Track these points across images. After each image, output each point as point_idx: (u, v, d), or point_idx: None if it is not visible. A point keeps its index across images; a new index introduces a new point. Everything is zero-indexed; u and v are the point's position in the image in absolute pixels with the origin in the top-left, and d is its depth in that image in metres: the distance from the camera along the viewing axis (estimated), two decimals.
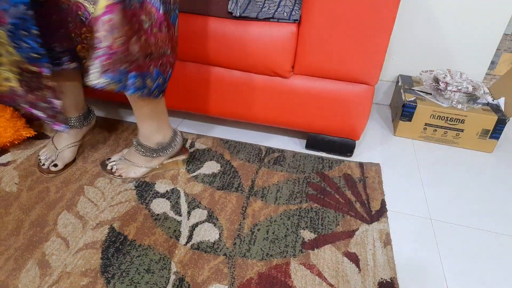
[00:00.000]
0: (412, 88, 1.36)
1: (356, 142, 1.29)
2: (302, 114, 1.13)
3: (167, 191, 1.00)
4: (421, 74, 1.44)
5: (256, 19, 1.00)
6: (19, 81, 0.80)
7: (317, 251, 0.87)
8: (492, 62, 1.44)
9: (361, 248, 0.88)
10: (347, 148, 1.18)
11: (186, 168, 1.08)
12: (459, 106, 1.26)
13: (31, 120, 1.22)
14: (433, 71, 1.43)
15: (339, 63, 1.02)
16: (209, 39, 1.04)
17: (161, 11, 0.76)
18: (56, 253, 0.81)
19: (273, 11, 1.01)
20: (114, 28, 0.70)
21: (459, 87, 1.26)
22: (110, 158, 1.05)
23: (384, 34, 0.97)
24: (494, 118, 1.23)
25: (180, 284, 0.77)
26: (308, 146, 1.21)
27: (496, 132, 1.25)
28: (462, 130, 1.27)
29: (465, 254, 0.90)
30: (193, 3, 1.04)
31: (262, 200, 0.99)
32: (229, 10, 1.03)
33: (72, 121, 1.04)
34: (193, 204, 0.97)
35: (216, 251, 0.85)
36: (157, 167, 1.04)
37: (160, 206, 0.95)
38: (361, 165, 1.16)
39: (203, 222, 0.92)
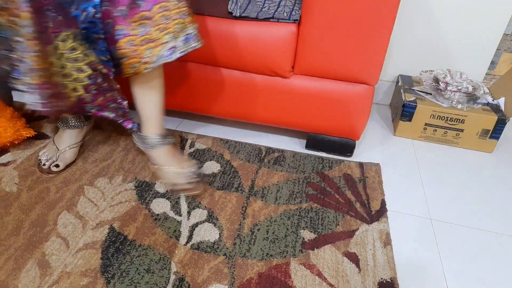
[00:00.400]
0: (412, 88, 1.36)
1: (356, 142, 1.29)
2: (302, 114, 1.13)
3: (167, 191, 1.00)
4: (421, 74, 1.44)
5: (256, 19, 1.00)
6: (85, 88, 0.84)
7: (317, 251, 0.87)
8: (492, 62, 1.44)
9: (361, 248, 0.88)
10: (347, 148, 1.18)
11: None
12: (459, 106, 1.26)
13: (31, 120, 1.22)
14: (433, 71, 1.43)
15: (339, 63, 1.02)
16: (209, 39, 1.04)
17: None
18: (56, 253, 0.81)
19: (273, 11, 1.01)
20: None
21: (459, 87, 1.26)
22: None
23: (384, 34, 0.97)
24: (494, 118, 1.23)
25: (180, 284, 0.77)
26: (308, 146, 1.21)
27: (496, 132, 1.25)
28: (462, 130, 1.27)
29: (465, 254, 0.90)
30: (193, 3, 1.04)
31: (262, 200, 0.99)
32: (229, 10, 1.03)
33: (73, 122, 1.03)
34: (193, 204, 0.97)
35: (216, 251, 0.85)
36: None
37: (160, 206, 0.95)
38: (361, 165, 1.16)
39: (203, 222, 0.92)
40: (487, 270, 0.87)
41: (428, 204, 1.05)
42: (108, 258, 0.81)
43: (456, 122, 1.26)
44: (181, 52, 0.84)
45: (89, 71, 0.82)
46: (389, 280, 0.81)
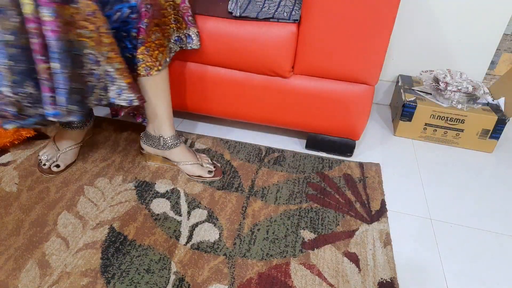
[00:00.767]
0: (412, 88, 1.36)
1: (356, 142, 1.29)
2: (302, 114, 1.13)
3: (167, 191, 1.00)
4: (421, 74, 1.44)
5: (256, 19, 1.00)
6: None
7: (317, 251, 0.87)
8: (492, 62, 1.44)
9: (361, 248, 0.88)
10: (347, 148, 1.18)
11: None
12: (459, 106, 1.26)
13: None
14: (433, 71, 1.43)
15: (339, 63, 1.02)
16: (209, 39, 1.04)
17: None
18: (56, 253, 0.81)
19: (273, 11, 1.01)
20: None
21: (459, 87, 1.26)
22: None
23: (384, 34, 0.97)
24: (494, 118, 1.23)
25: (180, 284, 0.77)
26: (308, 146, 1.21)
27: (496, 132, 1.25)
28: (462, 130, 1.27)
29: (465, 254, 0.90)
30: (193, 3, 1.04)
31: (262, 200, 0.99)
32: (229, 10, 1.03)
33: (75, 122, 1.04)
34: (193, 204, 0.97)
35: (216, 251, 0.85)
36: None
37: (160, 206, 0.95)
38: (361, 165, 1.16)
39: (203, 222, 0.92)
40: (487, 270, 0.87)
41: (428, 204, 1.05)
42: (108, 258, 0.81)
43: (456, 122, 1.26)
44: (174, 51, 0.98)
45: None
46: (389, 280, 0.81)
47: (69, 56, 0.76)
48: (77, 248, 0.83)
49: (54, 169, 1.02)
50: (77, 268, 0.78)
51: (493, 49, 1.39)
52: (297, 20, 0.99)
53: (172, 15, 0.92)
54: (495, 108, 1.27)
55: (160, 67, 0.91)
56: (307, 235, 0.91)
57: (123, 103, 0.86)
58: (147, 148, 1.05)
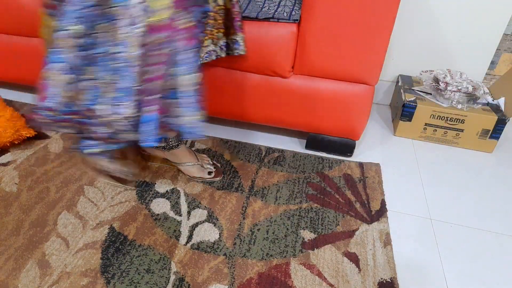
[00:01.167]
0: (412, 88, 1.36)
1: (356, 142, 1.29)
2: (302, 114, 1.13)
3: (167, 191, 1.00)
4: (421, 74, 1.44)
5: (256, 19, 1.00)
6: None
7: (317, 251, 0.87)
8: (492, 62, 1.44)
9: (361, 248, 0.88)
10: (347, 148, 1.18)
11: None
12: (459, 106, 1.26)
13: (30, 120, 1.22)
14: (433, 71, 1.43)
15: (339, 63, 1.02)
16: None
17: None
18: (56, 253, 0.81)
19: (273, 11, 1.01)
20: None
21: (459, 87, 1.26)
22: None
23: (384, 34, 0.97)
24: (494, 118, 1.23)
25: (180, 284, 0.77)
26: (308, 146, 1.21)
27: (496, 132, 1.25)
28: (462, 130, 1.27)
29: (465, 254, 0.90)
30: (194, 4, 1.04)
31: (262, 200, 0.99)
32: None
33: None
34: (193, 204, 0.97)
35: (216, 251, 0.85)
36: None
37: (160, 206, 0.95)
38: (361, 165, 1.16)
39: (203, 222, 0.92)
40: (487, 270, 0.87)
41: (428, 204, 1.05)
42: (108, 258, 0.81)
43: (456, 122, 1.26)
44: (216, 56, 0.96)
45: None
46: (389, 280, 0.81)
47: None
48: (77, 248, 0.83)
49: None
50: (77, 268, 0.78)
51: (493, 49, 1.39)
52: (297, 20, 0.99)
53: (222, 20, 0.89)
54: (495, 108, 1.27)
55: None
56: (307, 235, 0.91)
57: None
58: (147, 149, 1.05)
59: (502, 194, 1.11)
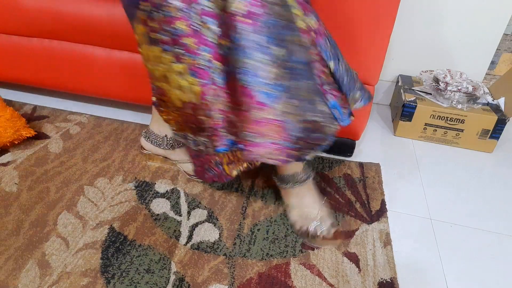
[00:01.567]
0: (412, 88, 1.36)
1: (356, 142, 1.29)
2: None
3: (167, 191, 1.00)
4: (421, 74, 1.44)
5: None
6: None
7: (317, 251, 0.86)
8: (492, 62, 1.44)
9: (361, 248, 0.88)
10: (347, 148, 1.18)
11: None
12: (459, 106, 1.26)
13: (31, 120, 1.22)
14: (433, 71, 1.43)
15: None
16: None
17: None
18: (56, 253, 0.81)
19: None
20: None
21: (459, 87, 1.26)
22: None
23: (384, 34, 0.97)
24: (494, 118, 1.23)
25: (180, 284, 0.77)
26: None
27: (496, 132, 1.25)
28: (462, 130, 1.27)
29: (465, 254, 0.90)
30: None
31: (262, 200, 0.99)
32: None
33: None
34: (193, 204, 0.97)
35: (216, 251, 0.85)
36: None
37: (160, 206, 0.95)
38: (361, 165, 1.16)
39: (203, 222, 0.92)
40: (487, 270, 0.87)
41: (428, 204, 1.05)
42: (108, 258, 0.81)
43: (456, 122, 1.26)
44: None
45: None
46: (389, 280, 0.81)
47: None
48: (77, 248, 0.83)
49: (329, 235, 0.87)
50: (77, 268, 0.78)
51: (493, 49, 1.39)
52: None
53: None
54: (495, 108, 1.27)
55: None
56: None
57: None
58: (148, 146, 1.04)
59: (502, 194, 1.11)
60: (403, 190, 1.09)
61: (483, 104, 1.29)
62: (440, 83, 1.29)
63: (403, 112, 1.29)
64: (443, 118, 1.27)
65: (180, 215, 0.93)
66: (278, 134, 0.69)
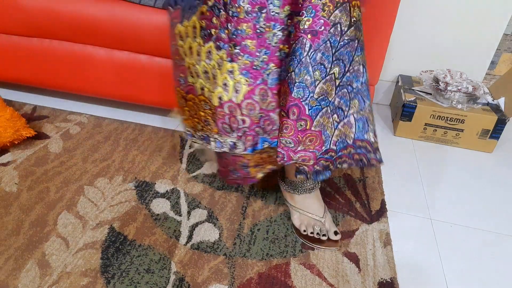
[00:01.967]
0: (412, 88, 1.36)
1: None
2: None
3: (167, 191, 1.00)
4: (421, 74, 1.44)
5: None
6: None
7: (317, 251, 0.87)
8: (492, 62, 1.44)
9: (361, 248, 0.88)
10: None
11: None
12: (459, 106, 1.26)
13: (31, 120, 1.22)
14: (433, 71, 1.43)
15: None
16: None
17: None
18: (56, 253, 0.81)
19: None
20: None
21: (459, 87, 1.26)
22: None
23: (384, 34, 0.97)
24: (494, 118, 1.23)
25: (180, 284, 0.77)
26: None
27: (496, 132, 1.25)
28: (462, 130, 1.27)
29: (465, 254, 0.90)
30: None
31: (262, 200, 0.99)
32: None
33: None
34: (193, 204, 0.97)
35: (216, 251, 0.85)
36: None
37: (160, 206, 0.95)
38: None
39: (203, 222, 0.92)
40: (487, 270, 0.87)
41: (428, 204, 1.05)
42: (108, 258, 0.81)
43: (456, 122, 1.26)
44: None
45: None
46: (389, 280, 0.81)
47: None
48: (77, 248, 0.83)
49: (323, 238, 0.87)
50: (77, 268, 0.78)
51: (493, 49, 1.39)
52: None
53: None
54: (495, 108, 1.27)
55: None
56: None
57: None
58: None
59: (502, 194, 1.11)
60: (403, 190, 1.09)
61: (483, 104, 1.29)
62: (440, 83, 1.29)
63: (403, 112, 1.29)
64: (443, 118, 1.27)
65: (180, 215, 0.93)
66: (313, 143, 0.74)
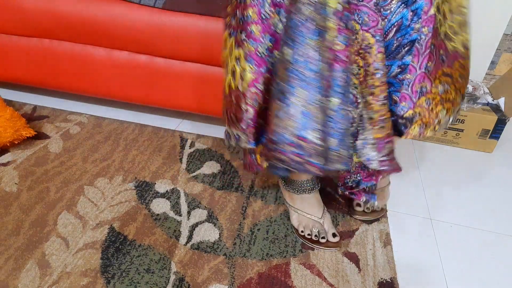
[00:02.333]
0: None
1: None
2: None
3: (167, 191, 1.00)
4: None
5: None
6: None
7: (317, 251, 0.87)
8: (492, 62, 1.44)
9: (361, 248, 0.88)
10: None
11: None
12: None
13: (31, 120, 1.22)
14: None
15: None
16: (211, 39, 1.04)
17: None
18: (56, 253, 0.81)
19: None
20: None
21: None
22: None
23: None
24: (494, 118, 1.23)
25: (180, 284, 0.77)
26: None
27: (496, 132, 1.25)
28: (462, 130, 1.27)
29: (465, 254, 0.90)
30: (196, 4, 1.04)
31: (262, 200, 0.99)
32: None
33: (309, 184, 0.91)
34: (193, 204, 0.97)
35: (216, 251, 0.85)
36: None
37: (160, 206, 0.95)
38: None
39: (203, 222, 0.92)
40: (487, 270, 0.87)
41: (428, 204, 1.05)
42: (108, 258, 0.81)
43: (456, 122, 1.26)
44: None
45: None
46: (389, 280, 0.81)
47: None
48: (77, 248, 0.83)
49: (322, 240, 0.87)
50: (77, 268, 0.78)
51: (493, 49, 1.39)
52: None
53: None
54: (495, 108, 1.27)
55: (437, 127, 0.75)
56: None
57: (363, 160, 0.74)
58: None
59: (502, 194, 1.11)
60: (403, 190, 1.09)
61: (483, 104, 1.29)
62: None
63: None
64: None
65: (180, 215, 0.93)
66: (306, 144, 0.70)
